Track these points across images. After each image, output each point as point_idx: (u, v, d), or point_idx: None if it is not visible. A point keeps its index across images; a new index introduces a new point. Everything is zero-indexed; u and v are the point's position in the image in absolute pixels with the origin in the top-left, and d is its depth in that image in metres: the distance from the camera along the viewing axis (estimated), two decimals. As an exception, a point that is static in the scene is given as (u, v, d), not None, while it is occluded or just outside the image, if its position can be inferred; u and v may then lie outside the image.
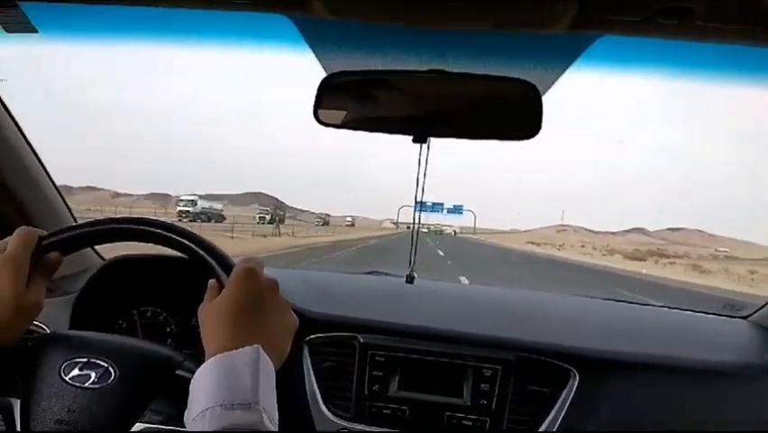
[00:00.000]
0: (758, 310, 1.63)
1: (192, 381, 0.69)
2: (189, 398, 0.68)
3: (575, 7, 0.80)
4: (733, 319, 1.67)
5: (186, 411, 0.68)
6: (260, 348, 0.70)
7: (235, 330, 0.73)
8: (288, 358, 0.78)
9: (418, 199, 1.20)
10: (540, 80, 1.04)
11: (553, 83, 1.16)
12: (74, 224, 1.07)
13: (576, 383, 1.28)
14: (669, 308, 1.82)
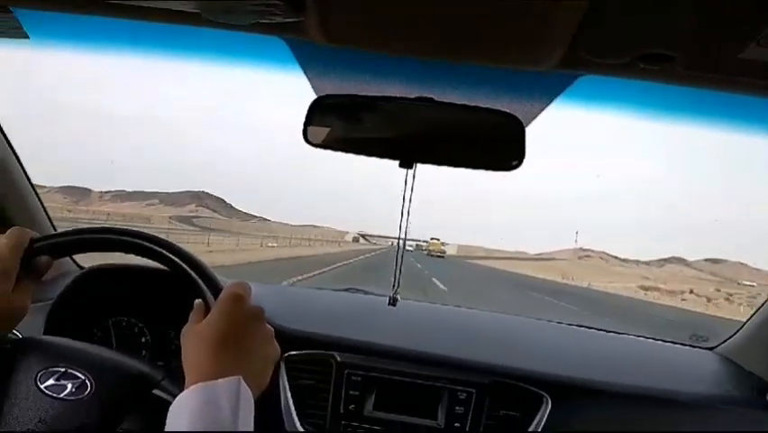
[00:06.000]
0: (723, 342, 1.68)
1: (171, 407, 0.69)
2: (167, 423, 0.68)
3: (563, 48, 0.83)
4: (699, 350, 1.72)
5: None
6: (241, 379, 0.70)
7: (218, 358, 0.73)
8: (267, 387, 0.78)
9: (403, 225, 1.22)
10: (524, 113, 1.08)
11: (536, 116, 1.20)
12: (61, 231, 1.06)
13: (548, 409, 1.31)
14: (638, 336, 1.86)
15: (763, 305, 1.57)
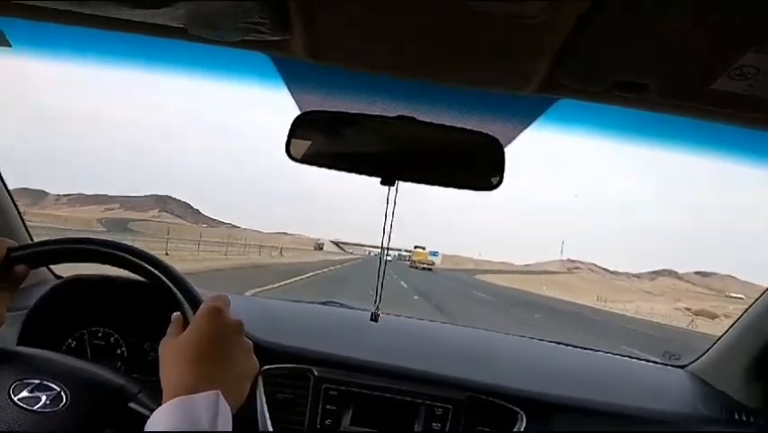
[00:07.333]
0: (695, 361, 1.71)
1: (149, 421, 0.68)
2: None
3: (543, 74, 0.86)
4: (671, 368, 1.75)
5: None
6: (220, 393, 0.69)
7: (197, 372, 0.72)
8: (245, 401, 0.78)
9: (385, 242, 1.23)
10: (503, 134, 1.10)
11: (515, 138, 1.23)
12: (37, 240, 1.05)
13: (523, 425, 1.32)
14: (612, 354, 1.88)
15: (734, 324, 1.60)
